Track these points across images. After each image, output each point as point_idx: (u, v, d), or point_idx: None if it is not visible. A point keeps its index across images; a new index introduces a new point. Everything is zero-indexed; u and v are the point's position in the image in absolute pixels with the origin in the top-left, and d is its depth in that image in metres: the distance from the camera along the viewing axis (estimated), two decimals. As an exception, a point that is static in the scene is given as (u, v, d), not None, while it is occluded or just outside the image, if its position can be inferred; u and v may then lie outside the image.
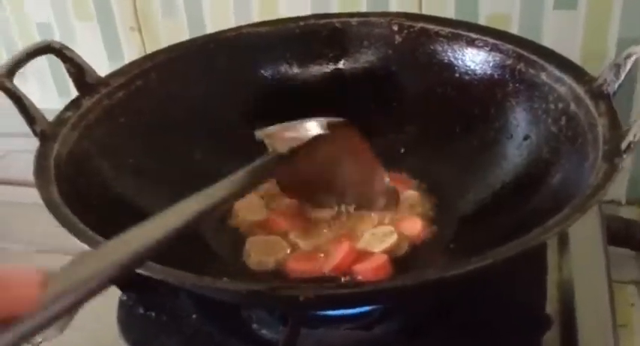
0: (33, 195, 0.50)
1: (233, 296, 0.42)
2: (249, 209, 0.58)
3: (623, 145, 0.45)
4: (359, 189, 0.55)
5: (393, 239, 0.53)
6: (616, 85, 0.49)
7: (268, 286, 0.38)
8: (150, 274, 0.39)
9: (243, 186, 0.45)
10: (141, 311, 0.53)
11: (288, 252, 0.53)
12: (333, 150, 0.53)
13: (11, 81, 0.51)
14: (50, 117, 0.54)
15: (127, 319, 0.53)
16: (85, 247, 0.42)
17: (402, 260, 0.52)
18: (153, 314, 0.53)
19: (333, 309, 0.47)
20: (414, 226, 0.54)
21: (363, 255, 0.52)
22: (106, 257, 0.34)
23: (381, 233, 0.54)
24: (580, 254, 0.58)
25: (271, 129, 0.52)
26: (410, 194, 0.57)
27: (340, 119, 0.52)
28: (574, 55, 0.65)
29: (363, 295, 0.38)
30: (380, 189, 0.54)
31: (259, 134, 0.52)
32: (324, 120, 0.52)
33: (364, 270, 0.51)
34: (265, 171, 0.48)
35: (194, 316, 0.52)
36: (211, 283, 0.38)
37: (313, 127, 0.51)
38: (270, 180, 0.55)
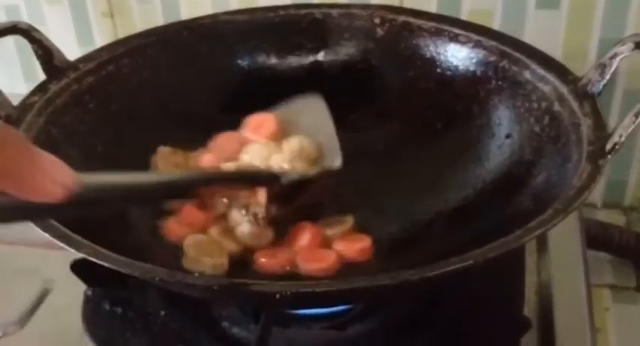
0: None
1: (205, 292, 0.40)
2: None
3: (608, 146, 0.44)
4: None
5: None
6: (601, 85, 0.49)
7: (243, 282, 0.36)
8: (117, 268, 0.38)
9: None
10: (107, 306, 0.52)
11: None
12: None
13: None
14: (16, 103, 0.51)
15: (92, 315, 0.51)
16: (49, 237, 0.41)
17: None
18: (119, 310, 0.51)
19: (310, 307, 0.45)
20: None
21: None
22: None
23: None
24: (559, 257, 0.57)
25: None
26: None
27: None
28: (555, 54, 0.64)
29: (341, 293, 0.37)
30: None
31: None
32: None
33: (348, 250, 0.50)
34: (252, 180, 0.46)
35: (162, 312, 0.51)
36: (182, 278, 0.37)
37: None
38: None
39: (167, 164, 0.55)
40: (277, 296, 0.35)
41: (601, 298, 0.64)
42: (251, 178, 0.48)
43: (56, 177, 0.28)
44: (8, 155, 0.26)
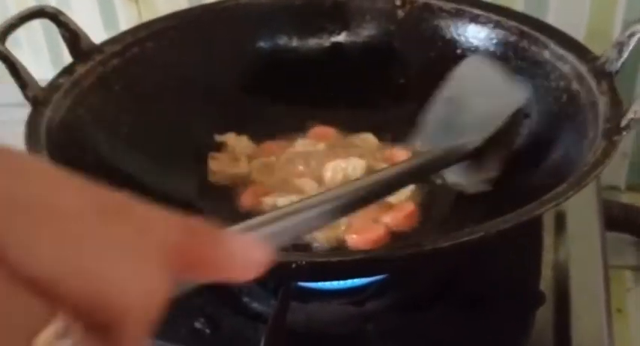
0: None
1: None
2: (228, 163, 0.57)
3: (623, 123, 0.44)
4: None
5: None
6: (619, 64, 0.49)
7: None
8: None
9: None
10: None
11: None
12: None
13: (3, 44, 0.51)
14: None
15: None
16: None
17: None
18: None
19: (327, 279, 0.46)
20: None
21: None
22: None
23: None
24: (577, 237, 0.57)
25: None
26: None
27: None
28: (579, 36, 0.64)
29: (356, 263, 0.37)
30: None
31: None
32: None
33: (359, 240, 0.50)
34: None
35: (184, 287, 0.52)
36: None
37: None
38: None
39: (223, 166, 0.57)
40: (293, 266, 0.36)
41: (623, 279, 0.64)
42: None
43: (247, 258, 0.25)
44: (197, 244, 0.23)
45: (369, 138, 0.59)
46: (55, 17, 0.55)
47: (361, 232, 0.51)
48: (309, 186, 0.54)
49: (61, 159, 0.47)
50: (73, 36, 0.55)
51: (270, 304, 0.50)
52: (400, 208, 0.53)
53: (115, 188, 0.40)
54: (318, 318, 0.50)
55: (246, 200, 0.55)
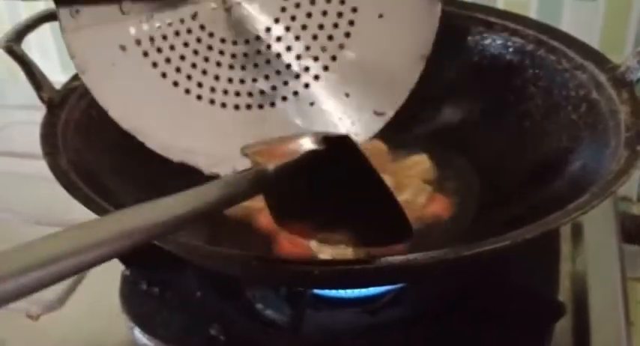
0: (34, 166, 0.49)
1: (244, 268, 0.40)
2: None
3: (647, 132, 0.44)
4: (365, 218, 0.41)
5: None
6: (639, 73, 0.48)
7: (281, 258, 0.36)
8: (159, 243, 0.38)
9: (210, 202, 0.35)
10: (144, 286, 0.52)
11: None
12: (331, 171, 0.40)
13: (19, 46, 0.50)
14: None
15: (129, 294, 0.52)
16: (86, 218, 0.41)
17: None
18: (156, 289, 0.52)
19: (346, 286, 0.45)
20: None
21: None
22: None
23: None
24: (594, 248, 0.57)
25: (259, 144, 0.42)
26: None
27: (339, 133, 0.43)
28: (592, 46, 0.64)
29: (379, 271, 0.37)
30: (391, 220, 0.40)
31: (244, 149, 0.41)
32: (319, 133, 0.40)
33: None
34: (242, 189, 0.38)
35: (198, 293, 0.51)
36: (220, 252, 0.37)
37: (306, 142, 0.39)
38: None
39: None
40: (316, 272, 0.36)
41: (634, 292, 0.63)
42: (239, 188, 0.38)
43: None
44: None
45: (378, 144, 0.57)
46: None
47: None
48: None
49: (75, 161, 0.47)
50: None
51: (282, 310, 0.49)
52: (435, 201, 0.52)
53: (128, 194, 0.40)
54: (331, 327, 0.49)
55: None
